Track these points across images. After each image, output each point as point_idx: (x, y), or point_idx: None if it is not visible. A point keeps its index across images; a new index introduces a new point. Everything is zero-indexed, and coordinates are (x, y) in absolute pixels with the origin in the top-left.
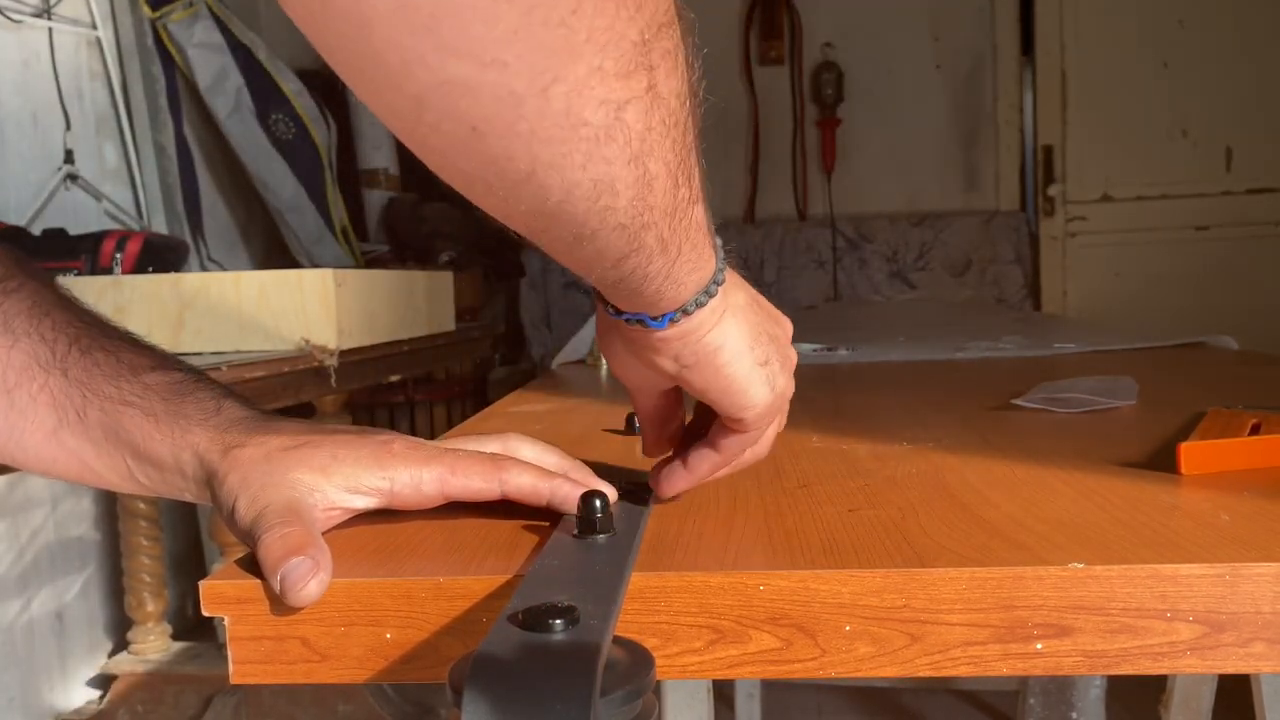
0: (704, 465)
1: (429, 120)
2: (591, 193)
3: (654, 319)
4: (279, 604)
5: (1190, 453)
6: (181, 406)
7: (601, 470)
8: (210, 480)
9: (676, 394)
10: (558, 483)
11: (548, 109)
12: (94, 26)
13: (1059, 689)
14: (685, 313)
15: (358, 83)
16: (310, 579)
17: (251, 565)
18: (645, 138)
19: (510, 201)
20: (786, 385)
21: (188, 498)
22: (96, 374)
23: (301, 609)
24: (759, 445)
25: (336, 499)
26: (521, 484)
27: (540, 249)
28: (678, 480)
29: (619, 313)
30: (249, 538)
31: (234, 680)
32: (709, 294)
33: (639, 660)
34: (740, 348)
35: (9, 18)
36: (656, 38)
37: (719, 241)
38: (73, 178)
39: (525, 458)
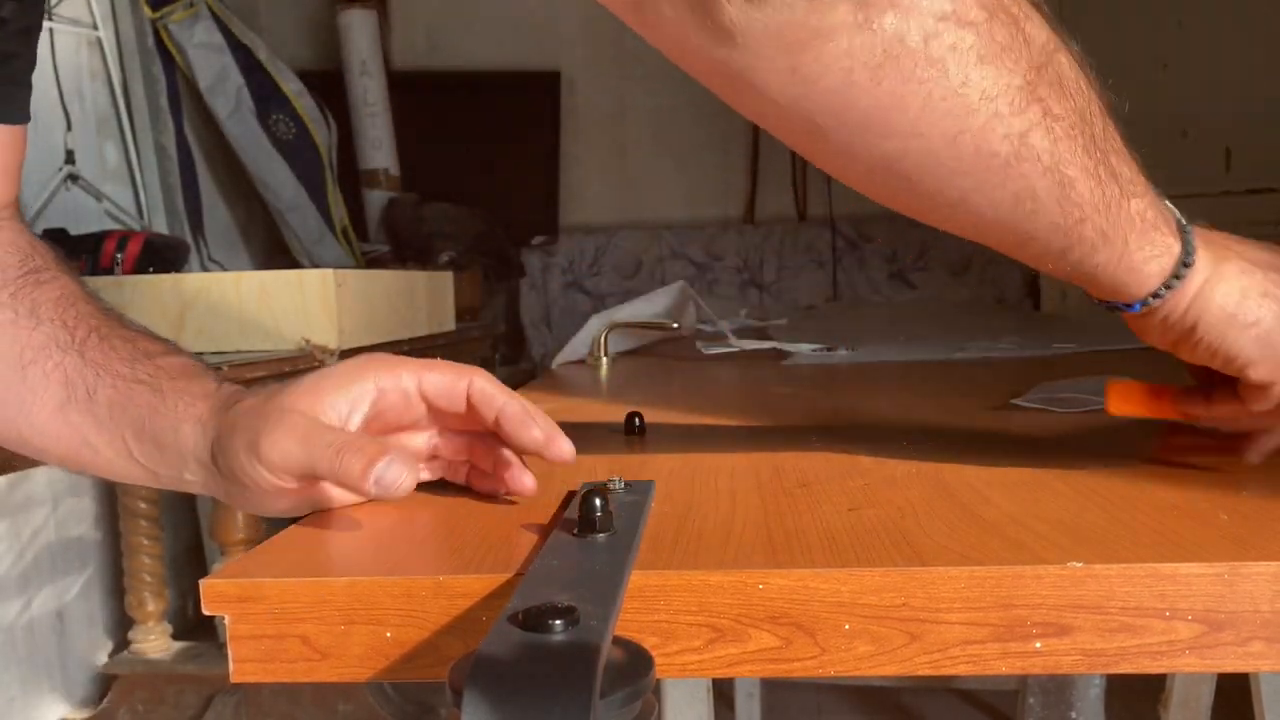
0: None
1: (878, 180)
2: (1014, 202)
3: (1126, 305)
4: (280, 602)
5: (1116, 391)
6: (189, 385)
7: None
8: (217, 440)
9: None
10: (512, 401)
11: (960, 153)
12: (95, 27)
13: (1058, 688)
14: (1157, 297)
15: (828, 163)
16: (405, 472)
17: (248, 565)
18: (1054, 151)
19: (957, 221)
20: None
21: (186, 478)
22: (112, 356)
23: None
24: None
25: (334, 418)
26: (485, 387)
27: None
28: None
29: (1099, 301)
30: (304, 468)
31: (234, 679)
32: (1178, 277)
33: (639, 661)
34: (1220, 316)
35: None
36: (1039, 77)
37: (1185, 224)
38: (73, 178)
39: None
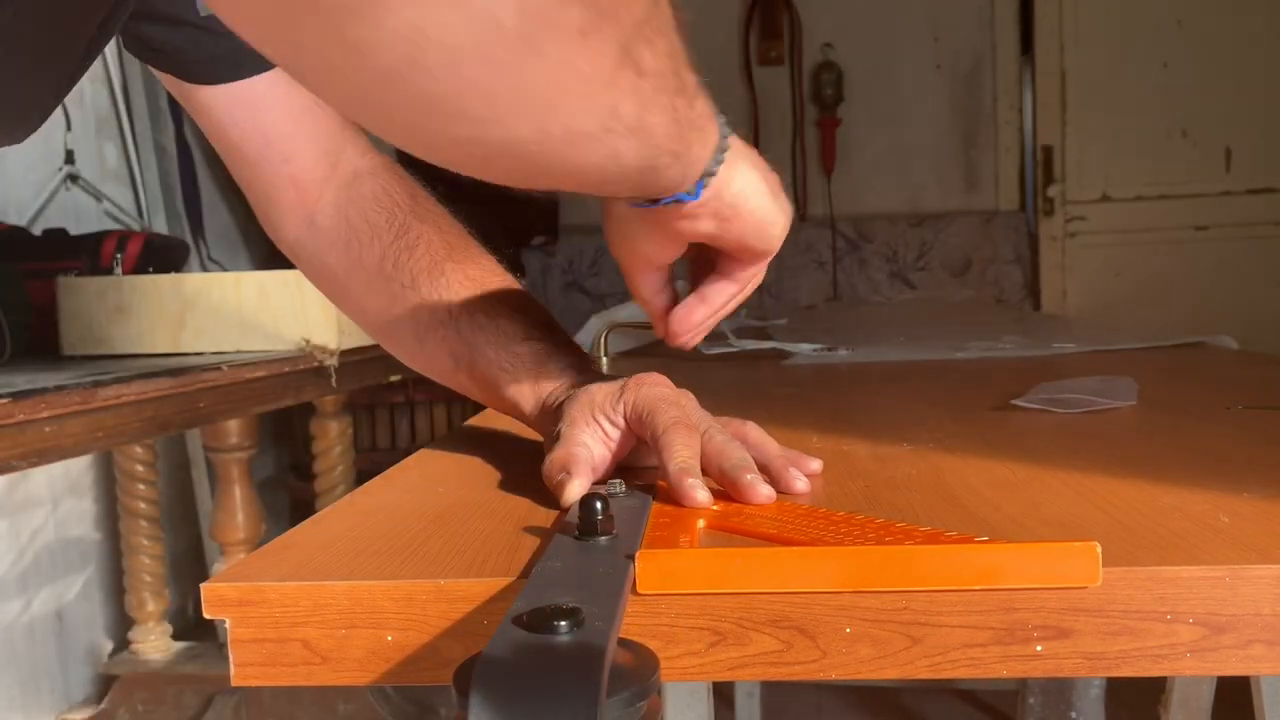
0: (721, 296)
1: (441, 158)
2: (599, 164)
3: (688, 193)
4: (280, 606)
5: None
6: (538, 374)
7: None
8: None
9: (669, 270)
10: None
11: (551, 142)
12: None
13: (1059, 689)
14: (710, 175)
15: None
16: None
17: (249, 568)
18: (640, 114)
19: (531, 183)
20: (788, 211)
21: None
22: (480, 337)
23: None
24: (761, 273)
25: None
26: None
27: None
28: (694, 311)
29: (651, 202)
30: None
31: (235, 682)
32: (722, 150)
33: (644, 662)
34: (759, 186)
35: None
36: (637, 34)
37: (714, 107)
38: (73, 178)
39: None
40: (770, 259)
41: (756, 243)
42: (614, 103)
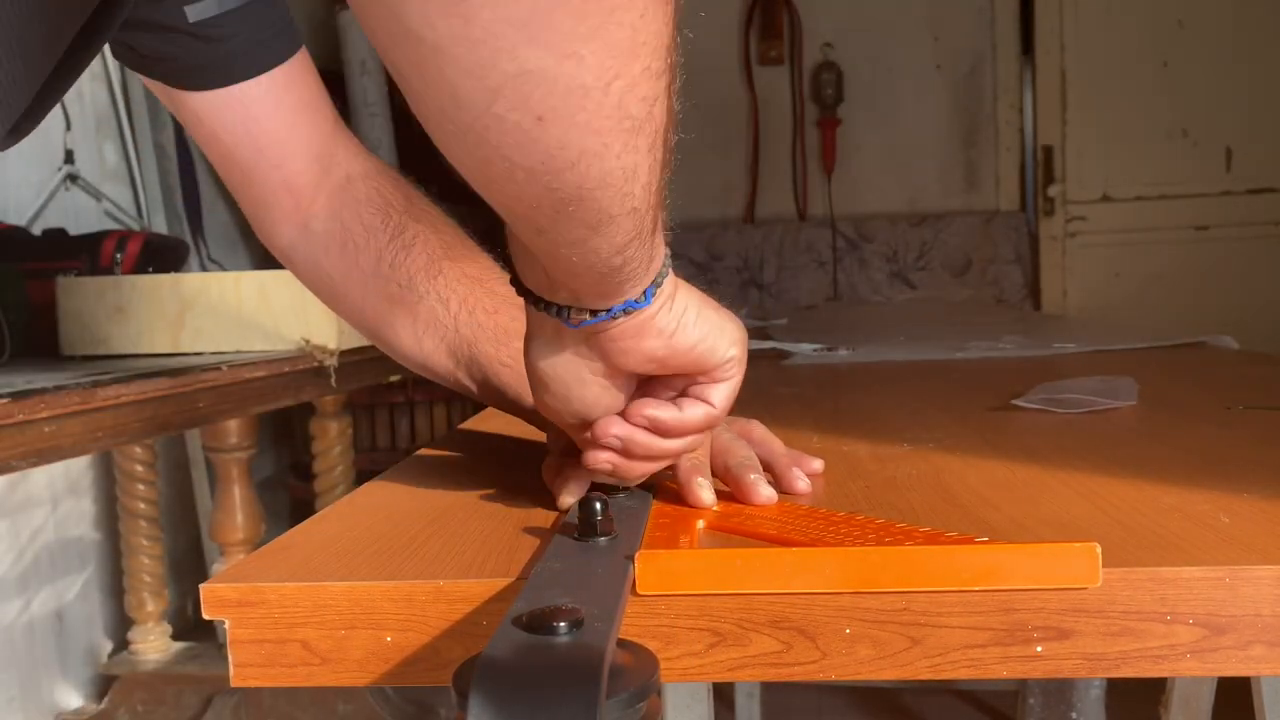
0: (695, 410)
1: (498, 110)
2: (620, 179)
3: (637, 301)
4: (280, 607)
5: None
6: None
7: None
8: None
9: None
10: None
11: (605, 102)
12: None
13: (1059, 689)
14: (657, 284)
15: (428, 72)
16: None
17: (248, 569)
18: (664, 132)
19: (543, 191)
20: (742, 329)
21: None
22: (480, 335)
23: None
24: (730, 393)
25: None
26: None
27: (541, 250)
28: (658, 409)
29: (601, 314)
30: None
31: (235, 683)
32: (668, 260)
33: (643, 662)
34: (698, 299)
35: None
36: (674, 43)
37: None
38: (73, 178)
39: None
40: (735, 380)
41: (710, 360)
42: (658, 93)
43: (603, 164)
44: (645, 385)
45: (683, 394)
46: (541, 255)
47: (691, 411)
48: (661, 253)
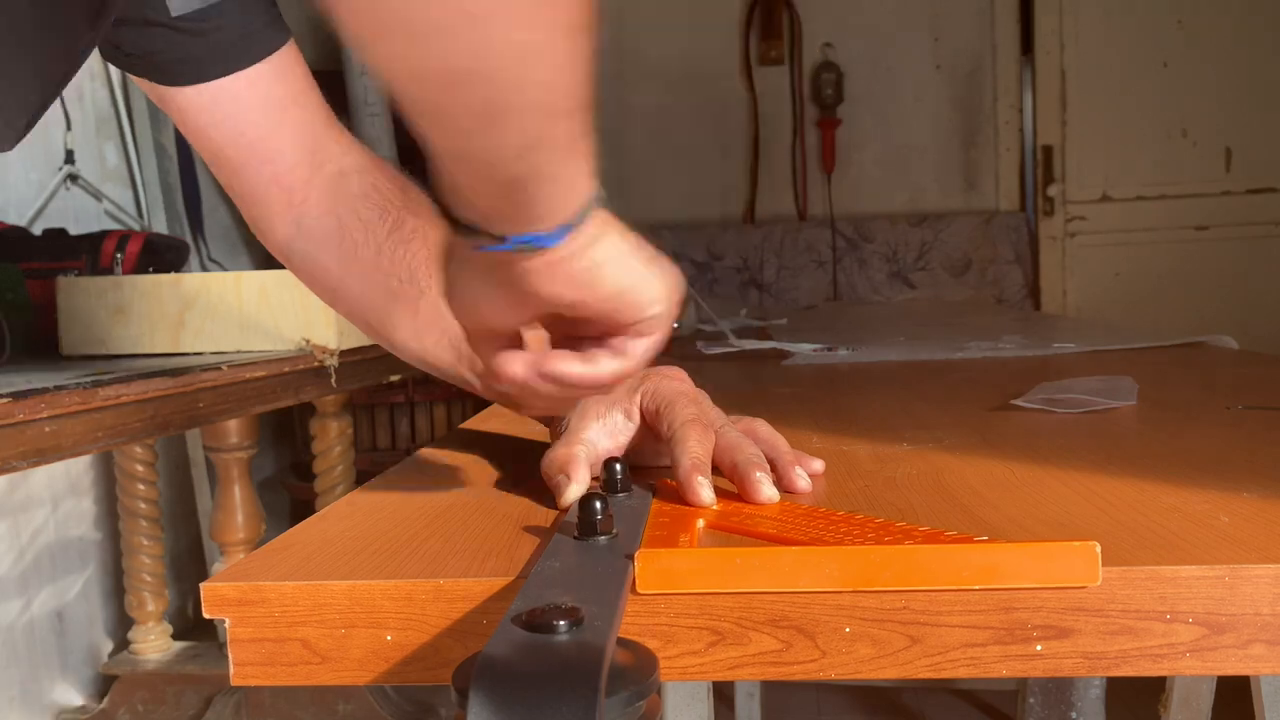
0: (599, 360)
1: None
2: (513, 60)
3: (546, 234)
4: (280, 606)
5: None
6: None
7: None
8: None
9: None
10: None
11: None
12: None
13: (1058, 688)
14: (574, 225)
15: None
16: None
17: (249, 568)
18: (585, 28)
19: (418, 59)
20: (673, 284)
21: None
22: None
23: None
24: (648, 348)
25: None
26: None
27: (439, 143)
28: (566, 361)
29: (500, 241)
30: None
31: (235, 682)
32: (590, 208)
33: (643, 661)
34: (627, 253)
35: None
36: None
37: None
38: (73, 178)
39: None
40: (658, 337)
41: (627, 313)
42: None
43: (487, 33)
44: (564, 318)
45: (599, 341)
46: (443, 154)
47: (604, 365)
48: (585, 190)
